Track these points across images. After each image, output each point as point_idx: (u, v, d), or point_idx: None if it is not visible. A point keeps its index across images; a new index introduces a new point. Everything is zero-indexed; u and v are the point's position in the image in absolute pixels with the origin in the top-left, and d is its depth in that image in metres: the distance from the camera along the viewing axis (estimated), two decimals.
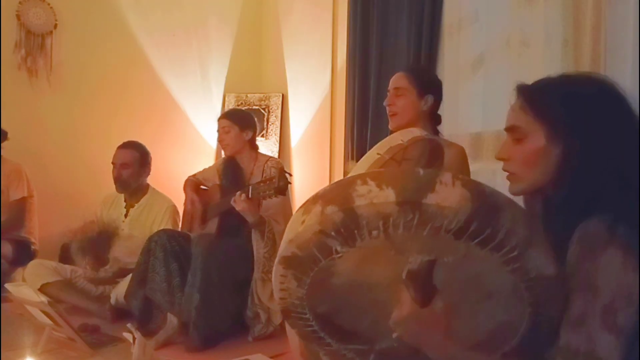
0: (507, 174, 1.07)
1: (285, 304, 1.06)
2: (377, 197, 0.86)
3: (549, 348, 0.92)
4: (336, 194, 0.92)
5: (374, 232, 0.88)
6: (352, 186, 0.89)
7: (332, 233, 0.90)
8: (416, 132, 1.90)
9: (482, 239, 0.85)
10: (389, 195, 0.86)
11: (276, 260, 1.01)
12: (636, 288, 0.85)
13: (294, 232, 0.95)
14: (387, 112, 2.14)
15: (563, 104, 0.97)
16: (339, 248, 0.92)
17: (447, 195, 0.85)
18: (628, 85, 2.07)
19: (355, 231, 0.89)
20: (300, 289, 1.00)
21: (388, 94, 2.15)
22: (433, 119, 2.16)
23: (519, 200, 1.07)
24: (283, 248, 0.98)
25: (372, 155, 1.82)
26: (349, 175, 1.05)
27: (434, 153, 1.79)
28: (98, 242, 2.79)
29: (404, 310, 0.92)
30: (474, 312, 1.01)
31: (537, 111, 0.99)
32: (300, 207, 0.98)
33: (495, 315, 1.00)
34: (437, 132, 2.24)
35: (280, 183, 2.15)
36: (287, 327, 1.67)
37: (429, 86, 2.14)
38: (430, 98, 2.10)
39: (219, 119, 2.80)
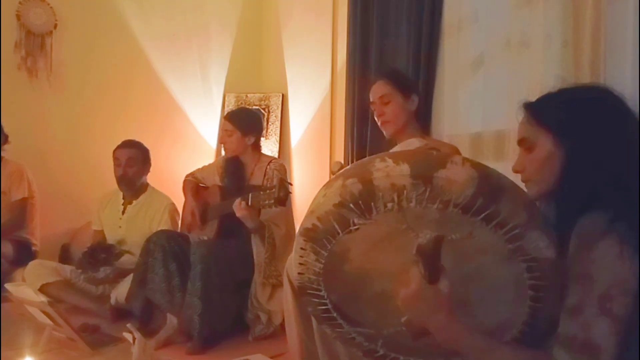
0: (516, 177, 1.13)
1: (302, 279, 1.12)
2: (393, 170, 0.95)
3: (550, 337, 0.95)
4: (357, 170, 1.01)
5: (389, 205, 0.95)
6: (372, 162, 0.99)
7: (351, 205, 0.97)
8: (416, 142, 1.96)
9: (486, 215, 0.92)
10: (404, 169, 0.94)
11: (297, 232, 1.08)
12: (632, 277, 0.88)
13: (316, 203, 1.04)
14: (379, 122, 2.16)
15: (562, 109, 1.06)
16: (356, 220, 0.98)
17: (456, 172, 0.93)
18: (628, 85, 2.06)
19: (372, 203, 0.96)
20: (318, 263, 1.07)
21: (373, 106, 2.17)
22: (420, 118, 2.18)
23: None
24: (305, 220, 1.05)
25: None
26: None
27: None
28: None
29: (412, 286, 0.97)
30: (476, 308, 1.04)
31: (540, 120, 1.08)
32: (324, 184, 1.06)
33: (496, 312, 1.03)
34: (426, 131, 2.25)
35: (281, 194, 2.16)
36: (287, 328, 1.67)
37: (410, 86, 2.20)
38: (416, 97, 2.14)
39: (223, 119, 2.79)
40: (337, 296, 1.12)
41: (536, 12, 2.42)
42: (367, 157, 1.06)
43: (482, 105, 2.68)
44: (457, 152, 2.09)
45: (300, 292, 1.17)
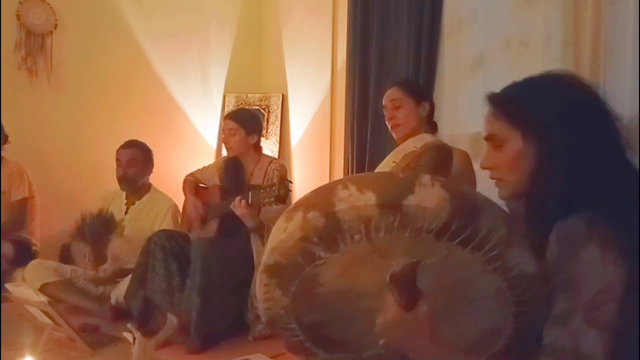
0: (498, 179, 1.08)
1: (270, 314, 1.04)
2: (357, 200, 0.86)
3: (535, 348, 0.92)
4: (318, 200, 0.91)
5: (356, 236, 0.88)
6: (333, 191, 0.90)
7: (315, 239, 0.89)
8: (427, 138, 2.00)
9: (462, 239, 0.86)
10: (369, 198, 0.86)
11: (259, 269, 0.99)
12: (616, 283, 0.85)
13: (277, 240, 0.94)
14: (389, 126, 2.20)
15: (532, 104, 0.99)
16: (322, 254, 0.91)
17: (426, 196, 0.86)
18: (628, 85, 2.07)
19: (338, 236, 0.88)
20: (285, 298, 0.99)
21: (385, 111, 2.22)
22: (431, 125, 2.22)
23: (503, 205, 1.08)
24: (266, 257, 0.97)
25: (388, 163, 1.89)
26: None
27: (445, 158, 1.87)
28: (97, 229, 2.76)
29: (388, 314, 0.92)
30: (460, 317, 1.01)
31: (508, 116, 1.01)
32: (283, 215, 0.97)
33: (480, 320, 0.99)
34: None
35: (281, 191, 2.16)
36: None
37: (423, 94, 2.26)
38: (427, 104, 2.19)
39: (225, 119, 2.78)
40: (312, 319, 1.05)
41: (536, 11, 2.42)
42: (328, 183, 0.97)
43: (482, 105, 2.68)
44: (467, 155, 2.11)
45: (269, 325, 1.09)
